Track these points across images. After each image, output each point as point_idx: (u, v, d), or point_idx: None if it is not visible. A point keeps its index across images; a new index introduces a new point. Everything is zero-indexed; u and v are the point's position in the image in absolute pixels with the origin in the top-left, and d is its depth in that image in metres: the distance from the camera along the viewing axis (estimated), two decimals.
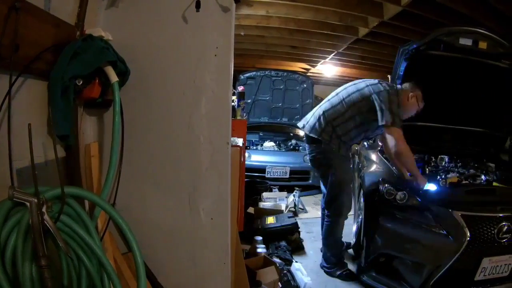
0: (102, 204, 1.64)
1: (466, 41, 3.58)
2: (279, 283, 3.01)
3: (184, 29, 2.04)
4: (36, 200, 1.29)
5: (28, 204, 1.28)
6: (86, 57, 1.66)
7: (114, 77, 1.80)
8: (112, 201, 1.96)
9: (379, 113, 3.37)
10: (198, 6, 1.97)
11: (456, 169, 3.87)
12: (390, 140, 3.43)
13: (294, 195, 6.18)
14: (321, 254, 3.94)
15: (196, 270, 2.17)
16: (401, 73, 3.79)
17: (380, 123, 3.38)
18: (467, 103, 4.08)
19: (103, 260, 1.51)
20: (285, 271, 3.34)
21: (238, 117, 4.08)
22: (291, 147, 7.83)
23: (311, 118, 3.73)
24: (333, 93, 3.78)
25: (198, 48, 2.06)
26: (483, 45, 3.61)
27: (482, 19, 5.51)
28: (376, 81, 3.61)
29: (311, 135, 3.63)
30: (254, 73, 8.06)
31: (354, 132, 3.59)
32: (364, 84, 3.62)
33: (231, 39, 2.08)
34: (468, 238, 2.83)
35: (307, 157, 7.05)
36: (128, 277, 1.83)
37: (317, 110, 3.72)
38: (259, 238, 3.72)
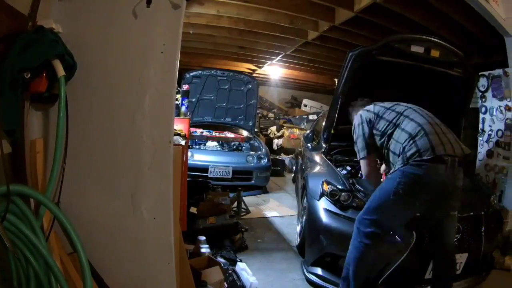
0: (47, 204, 1.59)
1: (417, 49, 3.63)
2: (225, 283, 3.02)
3: (133, 24, 2.01)
4: None
5: None
6: (35, 49, 1.60)
7: (61, 71, 1.74)
8: (56, 200, 1.89)
9: None
10: (149, 1, 1.95)
11: None
12: None
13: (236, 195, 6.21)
14: (267, 253, 4.03)
15: (140, 270, 2.13)
16: (349, 78, 3.72)
17: None
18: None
19: (49, 260, 1.47)
20: (230, 271, 3.34)
21: (182, 116, 4.07)
22: (234, 147, 7.85)
23: (446, 133, 2.86)
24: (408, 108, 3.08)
25: (145, 45, 2.03)
26: (435, 53, 3.66)
27: (435, 28, 5.78)
28: None
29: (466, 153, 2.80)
30: (200, 72, 7.99)
31: None
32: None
33: (179, 37, 2.07)
34: (415, 238, 2.84)
35: (262, 161, 7.18)
36: (75, 277, 1.77)
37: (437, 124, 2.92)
38: (203, 238, 3.70)
